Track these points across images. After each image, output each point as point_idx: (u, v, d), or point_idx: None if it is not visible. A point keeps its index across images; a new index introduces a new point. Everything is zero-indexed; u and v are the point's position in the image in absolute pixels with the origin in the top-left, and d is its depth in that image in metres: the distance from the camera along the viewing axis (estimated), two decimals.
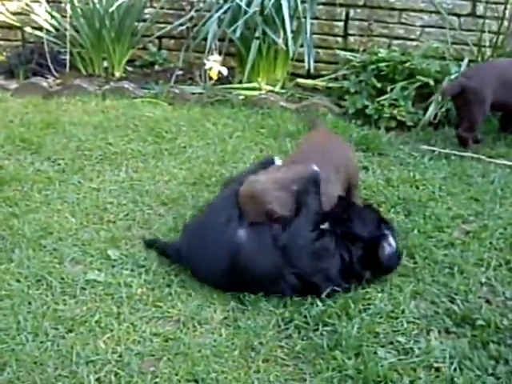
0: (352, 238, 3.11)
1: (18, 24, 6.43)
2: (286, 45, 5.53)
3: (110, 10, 5.80)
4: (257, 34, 5.54)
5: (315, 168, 3.20)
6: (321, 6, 6.11)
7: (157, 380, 2.52)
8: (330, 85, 5.79)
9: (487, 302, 3.01)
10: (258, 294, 2.98)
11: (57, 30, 6.17)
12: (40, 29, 6.17)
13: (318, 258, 3.00)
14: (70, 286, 3.10)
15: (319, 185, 3.17)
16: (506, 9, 5.61)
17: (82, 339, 2.74)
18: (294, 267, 2.98)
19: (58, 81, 5.97)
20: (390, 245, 3.14)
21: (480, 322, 2.82)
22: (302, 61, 5.72)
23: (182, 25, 6.04)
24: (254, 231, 3.06)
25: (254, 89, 5.74)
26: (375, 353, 2.65)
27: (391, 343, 2.73)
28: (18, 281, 3.12)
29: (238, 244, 3.01)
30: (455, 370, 2.57)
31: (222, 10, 5.62)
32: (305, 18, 5.62)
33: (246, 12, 5.43)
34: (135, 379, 2.53)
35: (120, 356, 2.65)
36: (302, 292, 2.98)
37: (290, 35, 5.46)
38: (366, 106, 5.22)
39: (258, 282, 2.99)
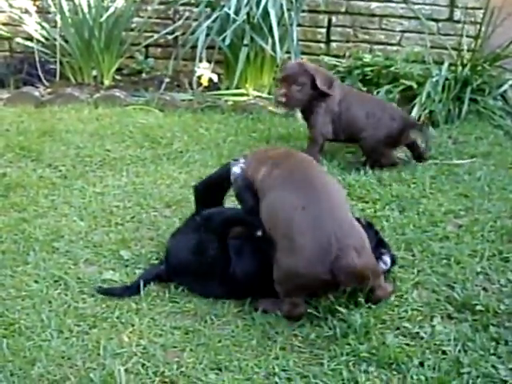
0: None
1: (7, 35, 6.53)
2: (274, 51, 5.69)
3: (101, 20, 5.95)
4: (245, 42, 5.71)
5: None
6: (304, 13, 6.34)
7: (183, 369, 2.65)
8: None
9: (484, 289, 3.20)
10: None
11: (46, 39, 6.27)
12: (30, 39, 6.27)
13: None
14: (87, 285, 3.21)
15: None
16: (484, 14, 5.80)
17: (106, 334, 2.85)
18: None
19: (49, 90, 6.07)
20: (385, 263, 3.24)
21: (479, 308, 3.00)
22: None
23: (172, 33, 6.22)
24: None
25: (241, 95, 5.90)
26: (384, 337, 2.82)
27: (398, 329, 2.90)
28: (37, 281, 3.22)
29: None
30: (460, 351, 2.74)
31: (210, 19, 5.79)
32: (291, 25, 5.80)
33: (234, 20, 5.59)
34: (161, 369, 2.65)
35: (144, 348, 2.77)
36: None
37: (277, 42, 5.63)
38: None
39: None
